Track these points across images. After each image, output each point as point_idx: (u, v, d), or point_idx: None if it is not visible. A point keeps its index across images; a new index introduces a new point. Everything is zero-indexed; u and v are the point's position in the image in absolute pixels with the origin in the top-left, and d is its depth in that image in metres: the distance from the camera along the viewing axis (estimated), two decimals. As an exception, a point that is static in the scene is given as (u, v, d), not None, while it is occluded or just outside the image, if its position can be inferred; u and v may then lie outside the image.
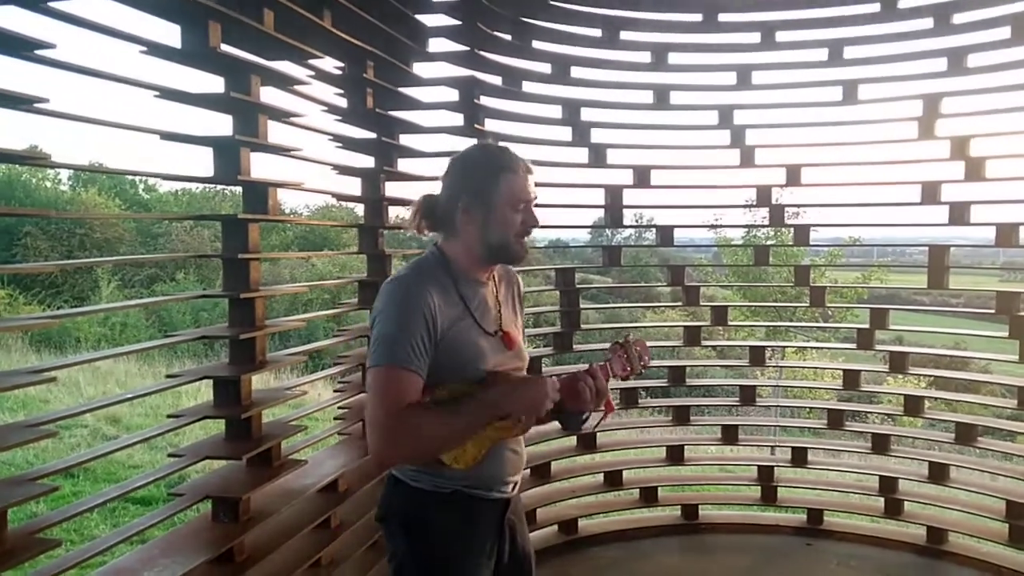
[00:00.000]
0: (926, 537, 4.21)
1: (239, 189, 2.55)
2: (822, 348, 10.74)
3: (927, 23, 4.07)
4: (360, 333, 3.25)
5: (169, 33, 2.21)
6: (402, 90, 3.47)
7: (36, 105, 1.71)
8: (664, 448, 4.61)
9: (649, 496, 4.50)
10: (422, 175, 3.61)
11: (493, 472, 1.77)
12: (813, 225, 4.60)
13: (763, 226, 12.05)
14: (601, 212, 4.66)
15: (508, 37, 4.09)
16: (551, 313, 4.63)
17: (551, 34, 4.23)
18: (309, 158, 2.83)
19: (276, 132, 2.60)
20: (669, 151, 4.60)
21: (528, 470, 4.07)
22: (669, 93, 4.43)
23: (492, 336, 1.78)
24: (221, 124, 2.46)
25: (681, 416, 4.63)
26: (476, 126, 3.85)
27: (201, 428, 4.94)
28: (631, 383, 4.43)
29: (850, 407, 5.10)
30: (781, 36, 4.31)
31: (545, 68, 4.27)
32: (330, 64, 3.09)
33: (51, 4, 1.76)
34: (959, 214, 4.08)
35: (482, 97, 3.96)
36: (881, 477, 4.34)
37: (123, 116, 2.25)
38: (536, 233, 1.80)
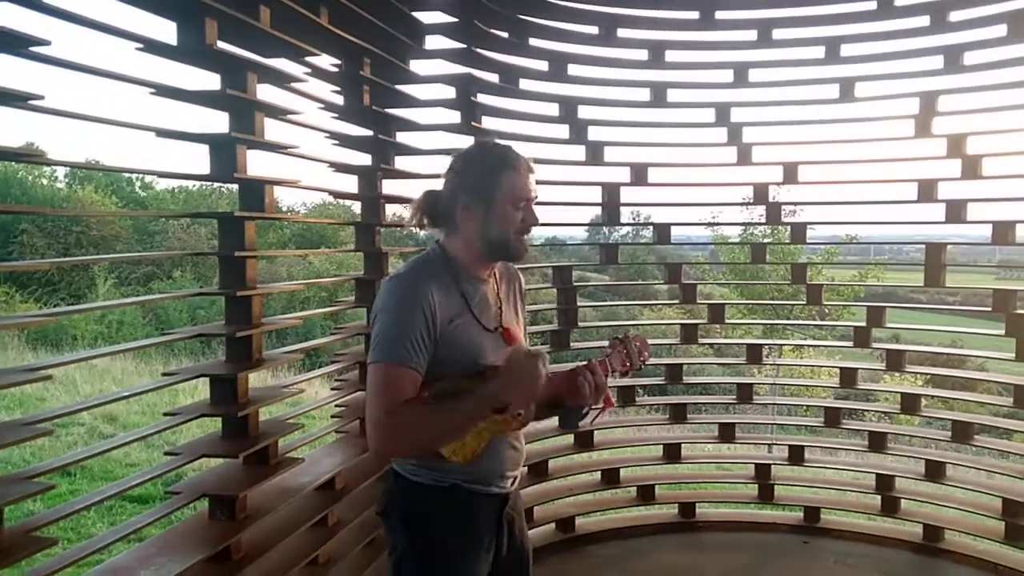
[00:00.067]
0: (923, 535, 4.22)
1: (236, 187, 2.55)
2: (819, 346, 10.80)
3: (923, 21, 4.07)
4: (357, 331, 3.25)
5: (165, 30, 2.20)
6: (399, 87, 3.46)
7: (32, 102, 1.70)
8: (661, 446, 4.61)
9: (646, 494, 4.51)
10: (419, 173, 3.60)
11: (492, 466, 1.79)
12: (810, 223, 4.58)
13: (760, 224, 12.06)
14: (598, 210, 4.66)
15: (505, 34, 4.08)
16: (548, 311, 4.64)
17: (548, 31, 4.22)
18: (306, 156, 2.83)
19: (273, 130, 2.59)
20: (666, 149, 4.61)
21: (525, 468, 4.07)
22: (666, 91, 4.43)
23: (492, 332, 1.80)
24: (217, 121, 2.45)
25: (678, 414, 4.64)
26: (473, 124, 3.84)
27: (198, 426, 4.97)
28: (628, 381, 4.43)
29: (847, 405, 5.12)
30: (778, 34, 4.31)
31: (542, 66, 4.27)
32: (327, 61, 3.08)
33: (46, 0, 1.75)
34: (956, 212, 4.08)
35: (479, 95, 3.95)
36: (878, 475, 4.35)
37: (120, 114, 2.25)
38: (533, 231, 1.81)
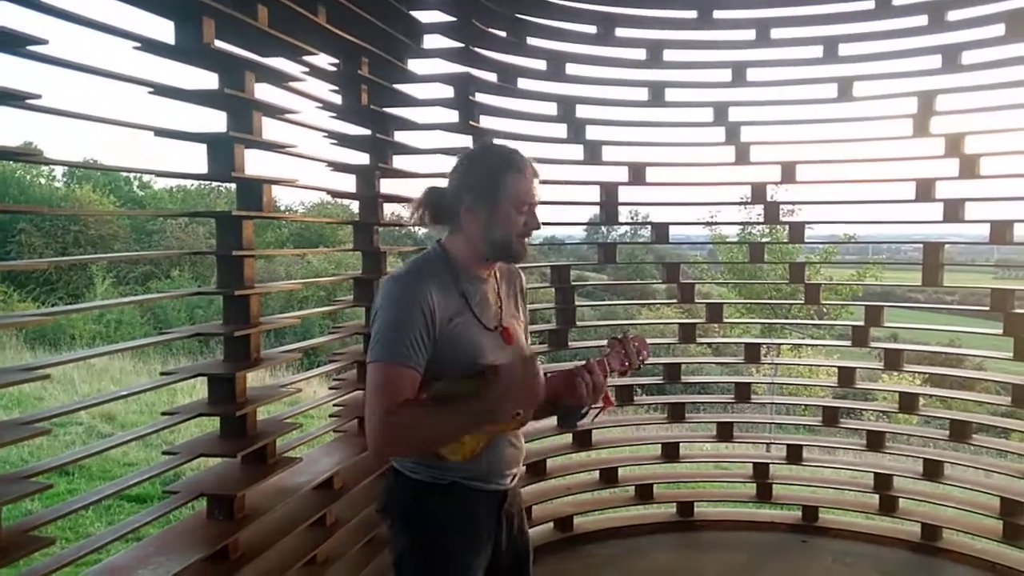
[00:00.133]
0: (921, 534, 4.23)
1: (234, 186, 2.55)
2: (817, 345, 10.81)
3: (922, 20, 4.07)
4: (355, 330, 3.25)
5: (163, 29, 2.20)
6: (397, 87, 3.46)
7: (30, 102, 1.70)
8: (659, 445, 4.62)
9: (644, 493, 4.51)
10: (417, 172, 3.60)
11: (491, 464, 1.80)
12: (808, 222, 4.58)
13: (758, 223, 12.06)
14: (596, 209, 4.66)
15: (503, 34, 4.08)
16: (547, 310, 4.63)
17: (546, 31, 4.22)
18: (304, 155, 2.83)
19: (271, 129, 2.59)
20: (664, 148, 4.61)
21: (524, 467, 4.07)
22: (664, 90, 4.43)
23: (492, 332, 1.80)
24: (215, 121, 2.45)
25: (676, 413, 4.64)
26: (471, 123, 3.84)
27: (196, 425, 4.97)
28: (627, 380, 4.43)
29: (845, 404, 5.12)
30: (776, 33, 4.31)
31: (540, 65, 4.27)
32: (325, 60, 3.08)
33: (44, -1, 1.75)
34: (954, 211, 4.08)
35: (477, 94, 3.95)
36: (876, 474, 4.35)
37: (118, 113, 2.24)
38: (534, 233, 1.82)
